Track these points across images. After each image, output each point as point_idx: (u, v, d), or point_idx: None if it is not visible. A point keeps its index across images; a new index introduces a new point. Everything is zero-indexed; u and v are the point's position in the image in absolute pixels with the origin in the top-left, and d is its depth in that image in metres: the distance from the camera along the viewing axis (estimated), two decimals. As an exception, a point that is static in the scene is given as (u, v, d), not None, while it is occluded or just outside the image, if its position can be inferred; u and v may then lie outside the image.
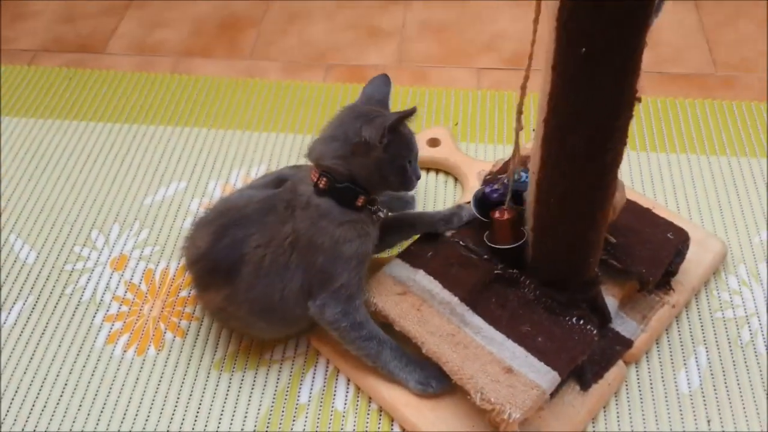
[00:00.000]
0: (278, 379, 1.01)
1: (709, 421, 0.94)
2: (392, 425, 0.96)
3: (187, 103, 1.42)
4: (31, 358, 1.04)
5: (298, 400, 0.99)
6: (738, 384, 0.98)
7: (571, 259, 0.90)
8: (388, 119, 0.88)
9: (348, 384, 1.00)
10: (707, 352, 1.01)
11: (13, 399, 1.00)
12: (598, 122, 0.73)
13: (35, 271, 1.15)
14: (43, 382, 1.01)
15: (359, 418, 0.97)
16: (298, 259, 0.92)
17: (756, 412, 0.95)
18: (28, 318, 1.09)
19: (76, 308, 1.10)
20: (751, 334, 1.03)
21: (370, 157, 0.91)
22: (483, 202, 1.02)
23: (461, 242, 1.01)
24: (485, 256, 0.99)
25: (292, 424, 0.96)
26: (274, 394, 0.99)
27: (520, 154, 1.00)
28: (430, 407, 0.94)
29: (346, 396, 0.99)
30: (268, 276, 0.93)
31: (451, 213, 1.04)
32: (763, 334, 1.03)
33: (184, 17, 1.64)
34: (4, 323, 1.08)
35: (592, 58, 0.68)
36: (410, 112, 0.89)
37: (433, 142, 1.27)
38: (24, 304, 1.10)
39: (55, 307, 1.10)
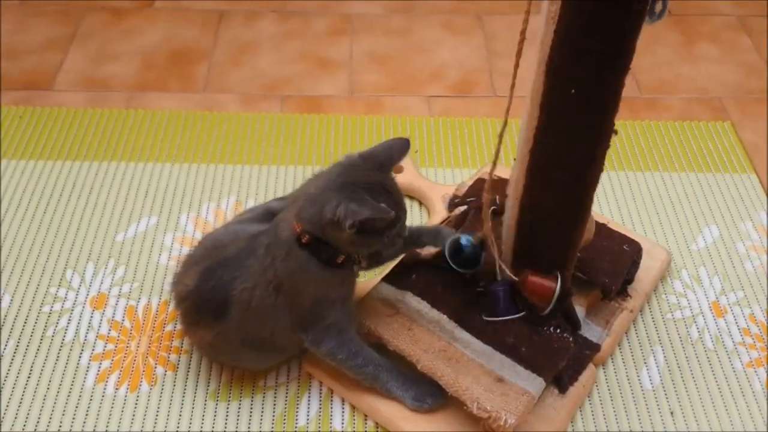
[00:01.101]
0: (275, 405, 1.04)
1: (672, 413, 1.05)
2: (390, 440, 1.01)
3: (146, 138, 1.43)
4: (20, 403, 1.03)
5: (296, 423, 1.03)
6: (692, 377, 1.09)
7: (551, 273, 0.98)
8: (362, 213, 0.85)
9: (344, 404, 1.05)
10: (663, 350, 1.13)
11: (5, 446, 0.99)
12: (581, 152, 0.82)
13: (11, 314, 1.13)
14: (36, 427, 1.01)
15: (358, 436, 1.02)
16: (284, 302, 0.95)
17: (711, 401, 1.07)
18: (11, 363, 1.07)
19: (60, 349, 1.10)
20: (698, 331, 1.15)
21: (342, 236, 0.89)
22: (456, 251, 1.05)
23: (443, 264, 1.08)
24: (467, 275, 1.06)
25: (294, 447, 1.00)
26: (273, 420, 1.03)
27: (492, 179, 1.08)
28: (427, 419, 1.00)
29: (343, 415, 1.04)
30: (256, 315, 0.96)
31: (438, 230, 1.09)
32: (709, 331, 1.15)
33: (131, 51, 1.64)
34: (-15, 370, 1.07)
35: (579, 98, 0.77)
36: (386, 213, 0.86)
37: (397, 169, 1.34)
38: (5, 348, 1.09)
39: (38, 350, 1.09)
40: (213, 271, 0.97)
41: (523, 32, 0.77)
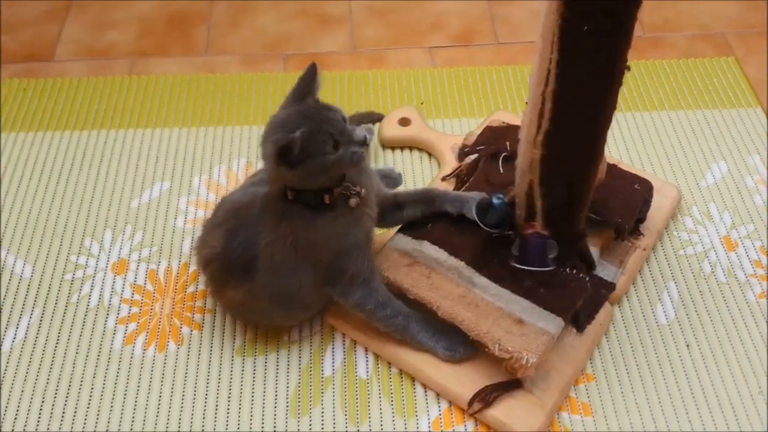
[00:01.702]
0: (300, 357, 1.07)
1: (688, 346, 1.08)
2: (414, 385, 1.04)
3: (152, 104, 1.43)
4: (50, 369, 1.06)
5: (322, 373, 1.05)
6: (707, 310, 1.12)
7: (566, 214, 1.00)
8: (265, 149, 0.90)
9: (367, 353, 1.07)
10: (677, 286, 1.15)
11: (40, 412, 1.02)
12: (595, 91, 0.83)
13: (35, 284, 1.15)
14: (68, 392, 1.03)
15: (383, 382, 1.04)
16: (304, 259, 0.97)
17: (726, 333, 1.09)
18: (38, 330, 1.10)
19: (86, 315, 1.12)
20: (711, 266, 1.17)
21: (287, 175, 0.91)
22: (484, 210, 1.04)
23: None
24: (493, 236, 1.07)
25: (322, 396, 1.03)
26: (299, 372, 1.05)
27: (502, 126, 1.09)
28: (449, 363, 1.03)
29: (367, 364, 1.06)
30: (281, 271, 0.98)
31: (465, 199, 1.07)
32: (721, 265, 1.17)
33: (129, 17, 1.63)
34: (14, 339, 1.09)
35: (592, 33, 0.77)
36: (280, 136, 0.87)
37: (404, 122, 1.35)
38: (30, 318, 1.11)
39: (64, 316, 1.12)
40: (237, 230, 0.98)
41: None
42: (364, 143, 0.93)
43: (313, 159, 0.89)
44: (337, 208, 0.95)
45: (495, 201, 1.02)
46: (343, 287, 0.99)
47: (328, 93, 1.45)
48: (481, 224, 1.03)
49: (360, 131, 0.93)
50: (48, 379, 1.05)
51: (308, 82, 0.95)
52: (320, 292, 1.01)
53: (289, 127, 0.89)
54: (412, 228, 1.09)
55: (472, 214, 1.04)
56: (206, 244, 1.03)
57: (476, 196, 1.07)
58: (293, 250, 0.97)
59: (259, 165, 1.31)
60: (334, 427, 1.00)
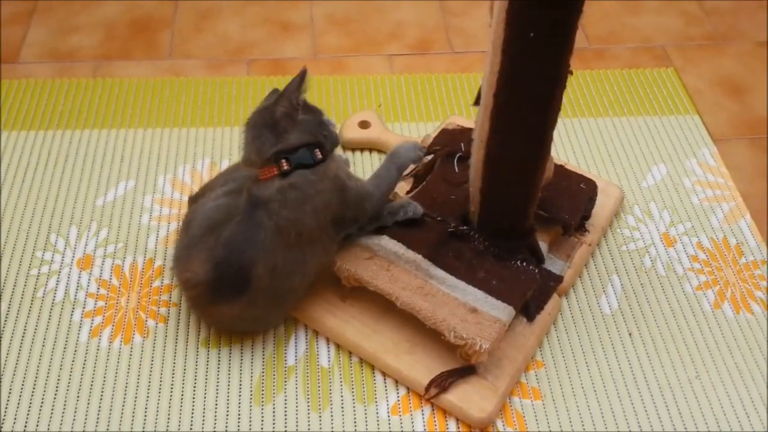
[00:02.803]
0: (263, 348, 1.11)
1: (630, 334, 1.15)
2: (374, 372, 1.09)
3: (117, 106, 1.46)
4: (17, 363, 1.08)
5: (285, 363, 1.09)
6: (647, 301, 1.19)
7: (515, 211, 1.06)
8: (290, 87, 1.03)
9: (329, 343, 1.12)
10: (620, 279, 1.22)
11: (7, 404, 1.03)
12: (540, 93, 0.90)
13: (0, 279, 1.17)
14: (35, 384, 1.06)
15: (344, 370, 1.09)
16: (314, 238, 1.03)
17: (665, 322, 1.16)
18: (4, 325, 1.12)
19: (51, 309, 1.14)
20: (651, 260, 1.25)
21: (297, 122, 1.03)
22: None
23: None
24: (438, 218, 1.13)
25: (285, 385, 1.07)
26: (263, 361, 1.09)
27: (456, 129, 1.15)
28: (407, 351, 1.08)
29: (329, 353, 1.11)
30: (285, 271, 1.02)
31: (399, 206, 1.13)
32: (660, 260, 1.25)
33: (93, 21, 1.66)
34: (-20, 332, 1.11)
35: (537, 40, 0.83)
36: (302, 74, 1.04)
37: (364, 125, 1.40)
38: (-4, 311, 1.13)
39: (30, 311, 1.14)
40: (220, 251, 0.99)
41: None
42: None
43: (314, 113, 1.06)
44: (326, 163, 1.04)
45: None
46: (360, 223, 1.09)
47: (290, 97, 1.50)
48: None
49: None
50: (14, 372, 1.07)
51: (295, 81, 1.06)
52: (322, 262, 1.07)
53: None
54: (372, 223, 1.15)
55: (408, 215, 1.13)
56: (186, 268, 1.03)
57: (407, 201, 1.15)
58: (297, 239, 1.00)
59: (224, 165, 1.35)
60: (296, 414, 1.04)
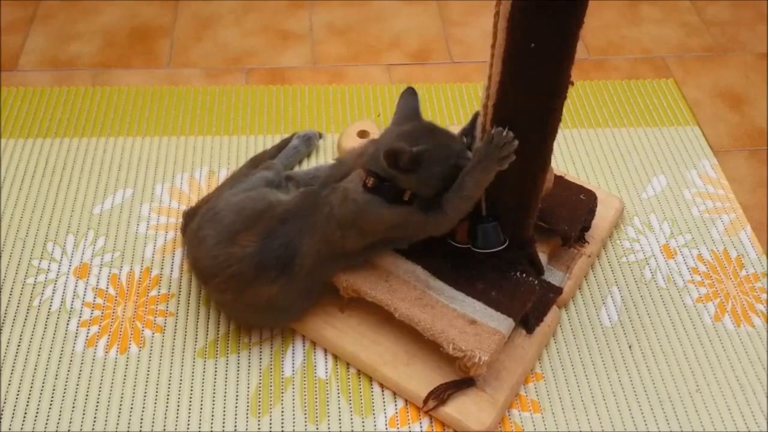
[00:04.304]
0: (261, 359, 1.10)
1: (630, 347, 1.14)
2: (372, 384, 1.08)
3: (115, 114, 1.46)
4: (12, 371, 1.07)
5: (282, 374, 1.08)
6: (648, 314, 1.18)
7: (515, 221, 1.06)
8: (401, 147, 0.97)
9: (326, 355, 1.11)
10: (620, 291, 1.21)
11: (2, 413, 1.02)
12: (541, 104, 0.89)
13: (-4, 288, 1.16)
14: (30, 392, 1.05)
15: (342, 382, 1.08)
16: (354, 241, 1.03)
17: (665, 335, 1.16)
18: (0, 333, 1.11)
19: (48, 318, 1.13)
20: (651, 272, 1.24)
21: (404, 177, 1.00)
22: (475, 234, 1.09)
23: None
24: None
25: (282, 396, 1.06)
26: (260, 373, 1.08)
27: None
28: (405, 362, 1.07)
29: (326, 365, 1.10)
30: (325, 263, 1.04)
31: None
32: (660, 272, 1.24)
33: (92, 29, 1.66)
34: (-25, 341, 1.10)
35: (539, 51, 0.83)
36: (413, 147, 0.97)
37: (363, 134, 1.40)
38: (-8, 320, 1.12)
39: (25, 319, 1.13)
40: (275, 231, 1.03)
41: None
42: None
43: (436, 169, 0.99)
44: (406, 206, 1.01)
45: (488, 225, 1.06)
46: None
47: (289, 106, 1.49)
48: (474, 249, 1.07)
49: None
50: (9, 382, 1.06)
51: (411, 102, 1.09)
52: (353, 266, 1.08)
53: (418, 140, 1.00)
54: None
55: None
56: (236, 243, 1.04)
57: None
58: (340, 231, 1.02)
59: (222, 173, 1.35)
60: (293, 427, 1.03)
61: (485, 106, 0.96)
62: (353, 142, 1.39)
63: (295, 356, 1.11)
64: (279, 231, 1.03)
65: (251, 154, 1.39)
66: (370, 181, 1.01)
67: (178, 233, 1.25)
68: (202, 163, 1.37)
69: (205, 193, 1.31)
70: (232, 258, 1.03)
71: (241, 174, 1.21)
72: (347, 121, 1.47)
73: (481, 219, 1.05)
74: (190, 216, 1.17)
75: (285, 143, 1.35)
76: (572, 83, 0.88)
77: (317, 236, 1.03)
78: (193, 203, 1.28)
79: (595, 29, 1.72)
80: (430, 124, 1.06)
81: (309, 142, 1.38)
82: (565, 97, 0.90)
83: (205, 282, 1.08)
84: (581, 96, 1.55)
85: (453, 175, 1.00)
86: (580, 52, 1.69)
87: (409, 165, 0.98)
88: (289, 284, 1.04)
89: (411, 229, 1.04)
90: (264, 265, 1.02)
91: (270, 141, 1.41)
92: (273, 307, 1.07)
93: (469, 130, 1.07)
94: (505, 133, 0.93)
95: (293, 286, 1.04)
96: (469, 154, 1.02)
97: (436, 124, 1.06)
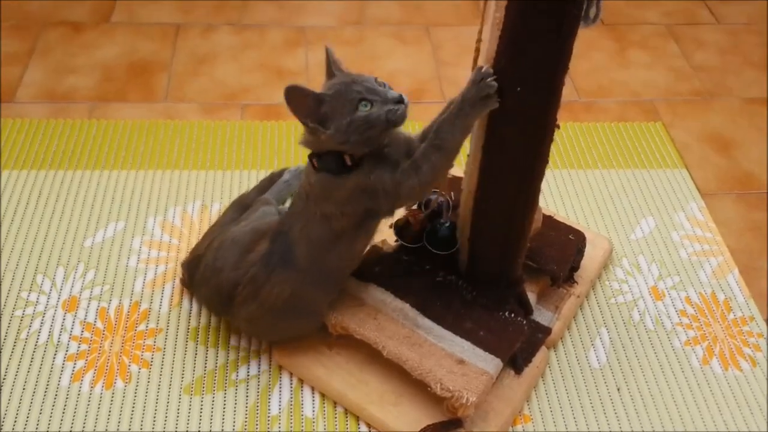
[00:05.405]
0: (247, 396, 1.09)
1: (618, 389, 1.14)
2: (359, 423, 1.07)
3: (110, 147, 1.47)
4: (-4, 404, 1.06)
5: (269, 412, 1.08)
6: (636, 356, 1.19)
7: (503, 262, 1.06)
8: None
9: (314, 392, 1.10)
10: (608, 332, 1.22)
11: (-16, 445, 1.02)
12: (528, 146, 0.91)
13: (-17, 320, 1.16)
14: (13, 427, 1.04)
15: (329, 421, 1.07)
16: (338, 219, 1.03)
17: (654, 377, 1.16)
18: (-15, 366, 1.10)
19: (34, 351, 1.13)
20: (639, 314, 1.25)
21: (322, 137, 0.97)
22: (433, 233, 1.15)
23: (404, 256, 1.15)
24: (427, 267, 1.13)
25: (268, 434, 1.05)
26: (246, 410, 1.08)
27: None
28: (393, 402, 1.07)
29: (313, 403, 1.09)
30: (320, 247, 1.04)
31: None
32: (649, 313, 1.25)
33: (91, 64, 1.68)
34: (-40, 374, 1.09)
35: (524, 95, 0.85)
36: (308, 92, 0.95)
37: (355, 171, 1.41)
38: (-22, 352, 1.12)
39: (12, 352, 1.12)
40: (279, 232, 1.07)
41: (479, 33, 0.84)
42: (401, 101, 0.97)
43: (343, 117, 0.94)
44: (354, 173, 0.98)
45: (440, 227, 1.13)
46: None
47: (283, 141, 1.51)
48: (430, 247, 1.12)
49: (393, 92, 0.97)
50: (-7, 414, 1.05)
51: (328, 64, 1.05)
52: (355, 250, 1.07)
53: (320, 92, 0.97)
54: (359, 270, 1.14)
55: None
56: (250, 251, 1.07)
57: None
58: (326, 221, 1.02)
59: (215, 208, 1.35)
60: (279, 465, 1.03)
61: (478, 148, 0.97)
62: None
63: (282, 394, 1.10)
64: (278, 236, 1.06)
65: (244, 189, 1.40)
66: (314, 161, 1.01)
67: (169, 266, 1.25)
68: (195, 197, 1.38)
69: (197, 227, 1.32)
70: (249, 263, 1.06)
71: (230, 219, 1.21)
72: (340, 159, 1.48)
73: (438, 220, 1.11)
74: (192, 265, 1.16)
75: (265, 183, 1.35)
76: (558, 126, 0.90)
77: (302, 221, 1.04)
78: (184, 237, 1.29)
79: (585, 72, 1.75)
80: (339, 77, 1.01)
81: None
82: (551, 140, 0.91)
83: (229, 298, 1.08)
84: (571, 137, 1.57)
85: (376, 121, 0.95)
86: (570, 93, 1.72)
87: (315, 108, 0.95)
88: (297, 277, 1.05)
89: (382, 194, 0.98)
90: (271, 262, 1.05)
91: (264, 176, 1.42)
92: (294, 307, 1.07)
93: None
94: (484, 69, 0.87)
95: (302, 278, 1.05)
96: (385, 92, 0.97)
97: (346, 73, 1.02)
